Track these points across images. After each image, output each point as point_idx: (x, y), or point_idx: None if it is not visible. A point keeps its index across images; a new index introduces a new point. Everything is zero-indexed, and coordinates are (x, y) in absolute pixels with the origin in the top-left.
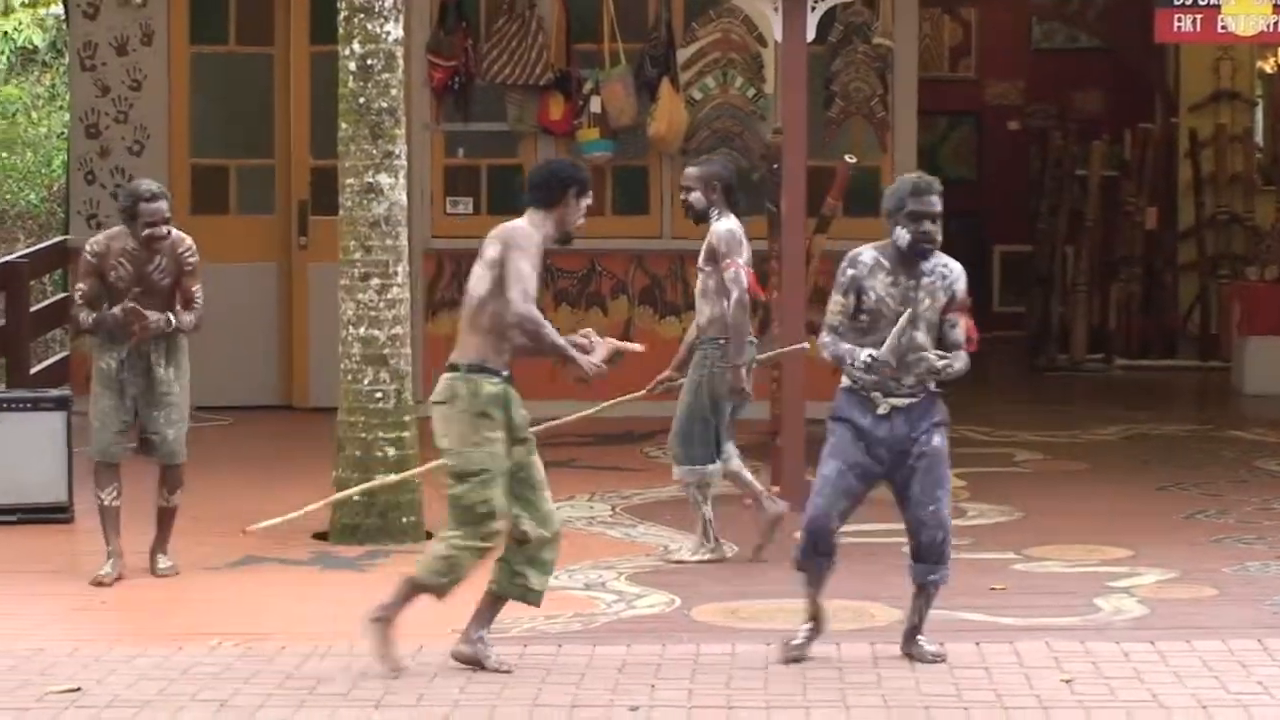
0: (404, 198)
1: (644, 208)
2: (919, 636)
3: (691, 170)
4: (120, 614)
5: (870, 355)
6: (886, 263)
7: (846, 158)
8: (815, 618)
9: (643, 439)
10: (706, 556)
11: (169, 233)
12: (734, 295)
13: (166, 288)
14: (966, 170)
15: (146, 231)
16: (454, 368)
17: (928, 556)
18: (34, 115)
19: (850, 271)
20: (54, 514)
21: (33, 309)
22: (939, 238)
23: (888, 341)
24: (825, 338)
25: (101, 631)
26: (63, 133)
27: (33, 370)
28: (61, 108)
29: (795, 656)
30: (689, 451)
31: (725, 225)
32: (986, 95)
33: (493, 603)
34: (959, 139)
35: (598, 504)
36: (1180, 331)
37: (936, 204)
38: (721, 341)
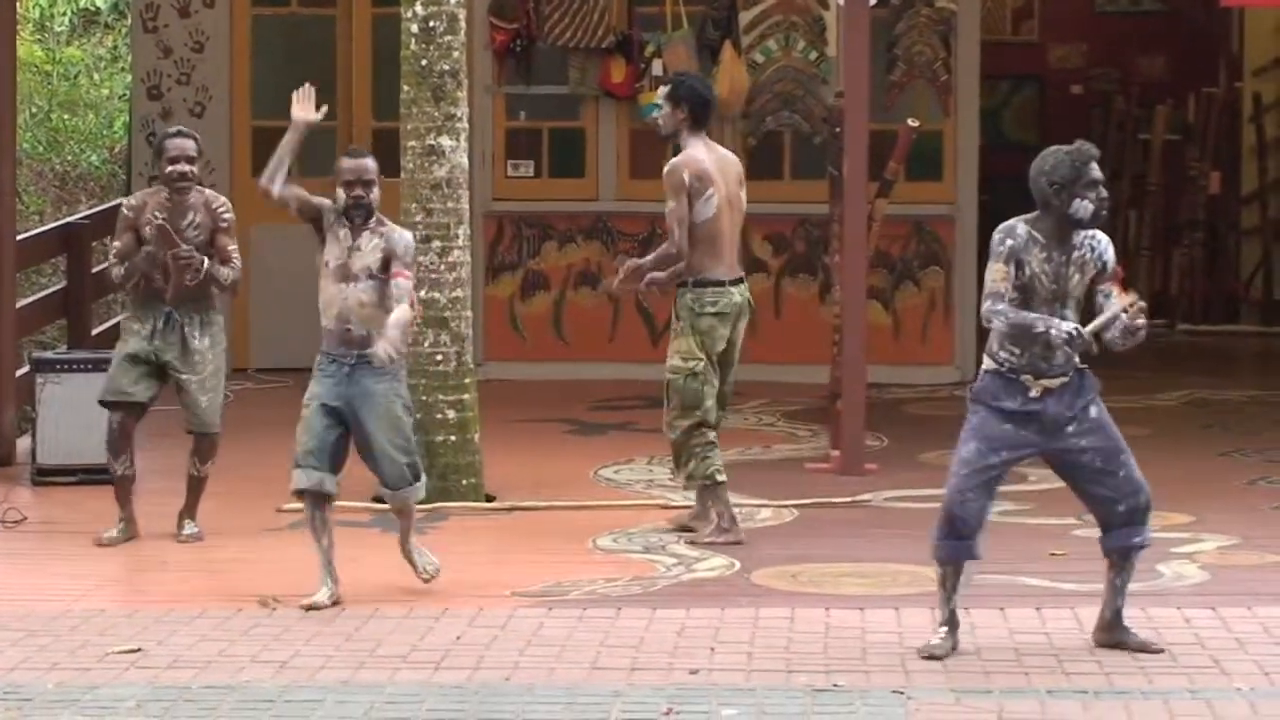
0: (465, 160)
1: None
2: (1126, 624)
3: (372, 163)
4: (181, 575)
5: (1075, 329)
6: (1040, 237)
7: (909, 121)
8: (950, 623)
9: None
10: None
11: (193, 173)
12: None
13: (201, 245)
14: (1029, 134)
15: (170, 168)
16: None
17: (1133, 520)
18: (96, 77)
19: (1009, 242)
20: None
21: (94, 270)
22: None
23: (1099, 319)
24: (996, 305)
25: (162, 592)
26: (124, 94)
27: (94, 332)
28: (123, 69)
29: (930, 655)
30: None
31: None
32: (1049, 59)
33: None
34: (1021, 103)
35: (657, 467)
36: (1243, 297)
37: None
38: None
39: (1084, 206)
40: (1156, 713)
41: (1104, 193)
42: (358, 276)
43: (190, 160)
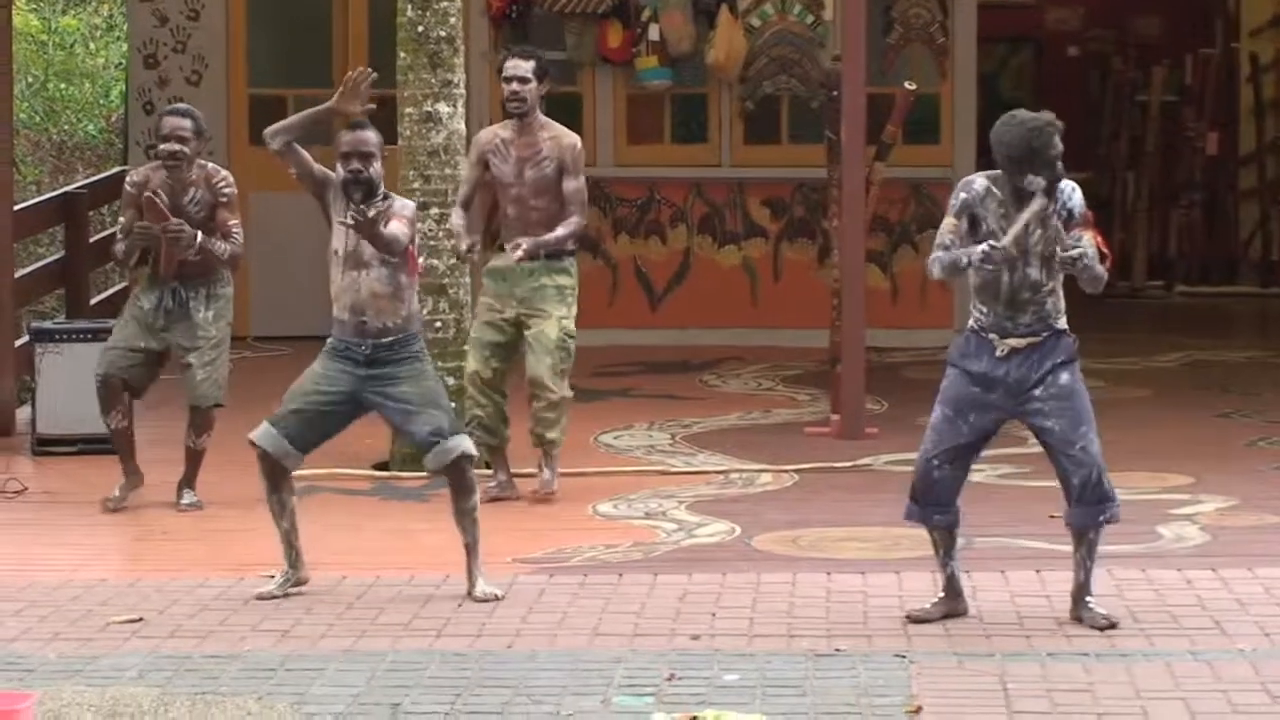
0: (463, 127)
1: (703, 136)
2: (1088, 599)
3: (372, 135)
4: (181, 544)
5: (989, 244)
6: (999, 193)
7: (906, 85)
8: (946, 589)
9: (700, 368)
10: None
11: (183, 152)
12: None
13: (201, 221)
14: (1026, 96)
15: (161, 146)
16: None
17: (1086, 498)
18: (92, 46)
19: (963, 195)
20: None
21: (91, 240)
22: None
23: (1011, 230)
24: (936, 254)
25: (163, 562)
26: (121, 63)
27: (92, 301)
28: (119, 38)
29: (918, 619)
30: None
31: None
32: (1046, 21)
33: None
34: (1019, 65)
35: (656, 433)
36: (1241, 257)
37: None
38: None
39: (1036, 182)
40: (1158, 674)
41: (1060, 168)
42: (369, 264)
43: (181, 139)
